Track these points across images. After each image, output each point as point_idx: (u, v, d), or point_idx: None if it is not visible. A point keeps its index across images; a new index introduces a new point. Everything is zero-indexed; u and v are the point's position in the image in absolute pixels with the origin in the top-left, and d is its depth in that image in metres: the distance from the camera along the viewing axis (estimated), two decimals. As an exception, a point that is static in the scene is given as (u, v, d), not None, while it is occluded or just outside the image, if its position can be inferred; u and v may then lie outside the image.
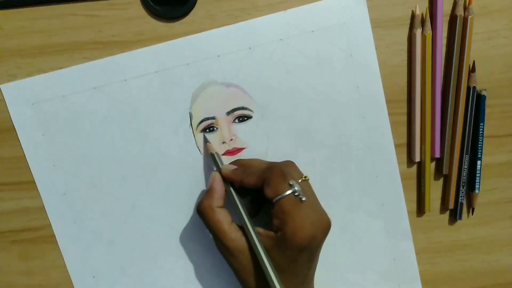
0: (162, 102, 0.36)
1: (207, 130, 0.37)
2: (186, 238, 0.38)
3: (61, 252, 0.38)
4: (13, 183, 0.38)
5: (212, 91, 0.36)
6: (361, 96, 0.37)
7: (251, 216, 0.33)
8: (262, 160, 0.36)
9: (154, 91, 0.36)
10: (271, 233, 0.31)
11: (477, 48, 0.37)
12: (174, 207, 0.38)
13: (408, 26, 0.37)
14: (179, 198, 0.38)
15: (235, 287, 0.37)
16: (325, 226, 0.31)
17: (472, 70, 0.37)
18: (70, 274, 0.38)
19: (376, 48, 0.37)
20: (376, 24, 0.36)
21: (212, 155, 0.35)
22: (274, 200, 0.30)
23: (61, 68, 0.36)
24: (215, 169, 0.35)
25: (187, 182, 0.38)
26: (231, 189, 0.33)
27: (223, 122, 0.37)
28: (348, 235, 0.39)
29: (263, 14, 0.36)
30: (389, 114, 0.37)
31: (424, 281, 0.40)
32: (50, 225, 0.38)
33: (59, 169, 0.37)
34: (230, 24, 0.36)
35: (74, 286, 0.39)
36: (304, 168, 0.34)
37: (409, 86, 0.37)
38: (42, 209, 0.38)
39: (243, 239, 0.32)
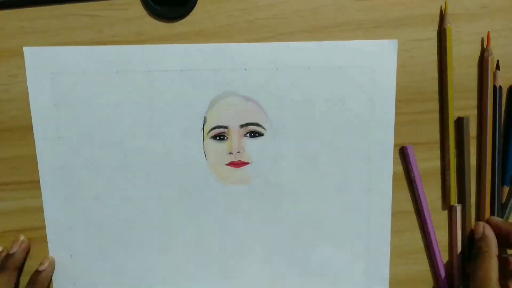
0: (180, 101, 0.37)
1: (217, 138, 0.37)
2: (173, 236, 0.38)
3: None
4: (14, 183, 0.38)
5: (231, 101, 0.37)
6: (371, 143, 0.38)
7: None
8: None
9: (175, 89, 0.36)
10: None
11: (477, 48, 0.38)
12: (168, 205, 0.38)
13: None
14: (174, 197, 0.38)
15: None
16: None
17: (497, 67, 0.37)
18: (49, 251, 0.38)
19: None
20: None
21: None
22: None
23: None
24: None
25: (186, 183, 0.38)
26: None
27: (234, 133, 0.37)
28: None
29: (263, 14, 0.36)
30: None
31: None
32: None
33: (62, 142, 0.37)
34: (230, 25, 0.36)
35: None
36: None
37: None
38: (42, 209, 0.38)
39: None
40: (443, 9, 0.37)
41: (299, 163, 0.38)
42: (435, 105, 0.38)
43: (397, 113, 0.38)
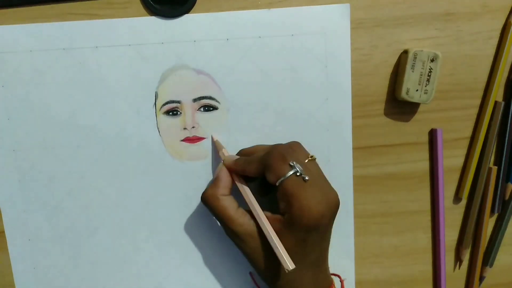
0: (130, 77, 0.36)
1: (170, 113, 0.36)
2: (130, 217, 0.38)
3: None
4: None
5: (182, 75, 0.36)
6: (328, 110, 0.37)
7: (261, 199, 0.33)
8: (264, 146, 0.35)
9: (124, 64, 0.36)
10: (279, 216, 0.31)
11: (477, 47, 0.37)
12: (124, 184, 0.37)
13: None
14: (130, 176, 0.37)
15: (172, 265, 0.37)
16: (333, 204, 0.31)
17: None
18: (6, 236, 0.38)
19: (377, 48, 0.37)
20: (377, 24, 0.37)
21: (217, 146, 0.36)
22: (277, 183, 0.30)
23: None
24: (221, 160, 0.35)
25: (141, 161, 0.37)
26: (236, 176, 0.34)
27: (187, 108, 0.36)
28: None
29: None
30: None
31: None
32: None
33: (12, 123, 0.36)
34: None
35: (8, 245, 0.38)
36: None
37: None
38: None
39: (251, 222, 0.32)
40: None
41: (255, 136, 0.37)
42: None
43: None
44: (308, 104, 0.37)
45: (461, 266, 0.41)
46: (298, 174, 0.29)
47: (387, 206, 0.39)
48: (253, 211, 0.32)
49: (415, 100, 0.35)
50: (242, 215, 0.32)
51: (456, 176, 0.39)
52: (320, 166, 0.38)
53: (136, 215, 0.38)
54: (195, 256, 0.39)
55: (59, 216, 0.37)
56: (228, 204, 0.32)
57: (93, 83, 0.36)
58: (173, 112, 0.36)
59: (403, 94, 0.35)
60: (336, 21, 0.36)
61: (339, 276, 0.35)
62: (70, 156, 0.37)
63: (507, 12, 0.37)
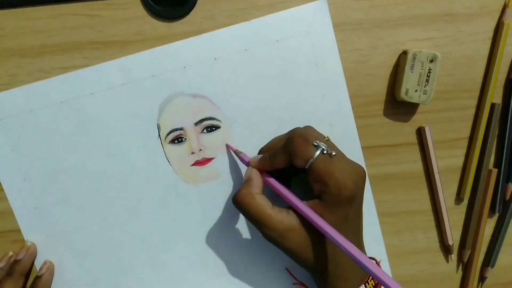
0: (130, 115, 0.37)
1: (176, 141, 0.37)
2: (158, 249, 0.38)
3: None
4: None
5: (179, 102, 0.37)
6: (327, 104, 0.37)
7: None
8: (281, 136, 0.36)
9: (121, 104, 0.36)
10: (317, 201, 0.30)
11: (476, 48, 0.37)
12: (145, 218, 0.38)
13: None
14: (150, 209, 0.38)
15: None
16: (363, 174, 0.31)
17: None
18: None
19: (376, 48, 0.37)
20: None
21: (236, 153, 0.36)
22: (307, 167, 0.30)
23: (61, 67, 0.36)
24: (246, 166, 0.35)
25: (157, 193, 0.38)
26: (266, 174, 0.33)
27: (191, 132, 0.37)
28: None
29: (264, 14, 0.36)
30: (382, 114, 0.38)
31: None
32: None
33: (29, 183, 0.37)
34: (229, 25, 0.36)
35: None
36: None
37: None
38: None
39: (290, 217, 0.31)
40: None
41: (262, 144, 0.37)
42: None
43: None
44: (306, 104, 0.37)
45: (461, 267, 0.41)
46: (324, 152, 0.30)
47: (387, 206, 0.39)
48: (290, 201, 0.31)
49: (414, 100, 0.36)
50: (279, 212, 0.31)
51: (457, 176, 0.39)
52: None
53: (164, 245, 0.38)
54: (225, 272, 0.39)
55: (91, 262, 0.38)
56: (264, 202, 0.32)
57: (96, 129, 0.37)
58: (178, 140, 0.37)
59: (402, 95, 0.35)
60: (316, 18, 0.36)
61: (374, 259, 0.35)
62: (88, 201, 0.38)
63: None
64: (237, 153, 0.36)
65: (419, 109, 0.38)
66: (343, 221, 0.30)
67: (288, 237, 0.31)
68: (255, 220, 0.32)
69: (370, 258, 0.35)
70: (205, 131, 0.37)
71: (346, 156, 0.32)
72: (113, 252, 0.38)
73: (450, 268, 0.41)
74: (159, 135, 0.37)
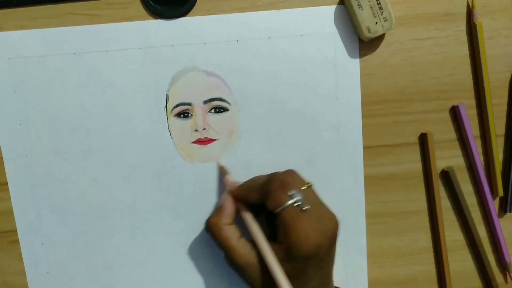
0: (141, 80, 0.36)
1: (181, 115, 0.37)
2: (142, 219, 0.38)
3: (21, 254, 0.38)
4: None
5: (192, 77, 0.36)
6: (339, 108, 0.37)
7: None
8: (262, 176, 0.35)
9: (134, 67, 0.36)
10: (281, 245, 0.30)
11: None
12: (135, 186, 0.37)
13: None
14: (142, 178, 0.37)
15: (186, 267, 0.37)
16: (331, 233, 0.31)
17: None
18: (19, 241, 0.38)
19: (376, 48, 0.37)
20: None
21: (222, 171, 0.37)
22: (275, 212, 0.30)
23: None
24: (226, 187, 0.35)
25: (152, 164, 0.37)
26: (241, 204, 0.34)
27: (198, 109, 0.37)
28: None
29: None
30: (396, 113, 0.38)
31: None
32: (10, 231, 0.38)
33: (24, 129, 0.36)
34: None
35: (22, 249, 0.38)
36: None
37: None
38: (1, 214, 0.38)
39: (252, 253, 0.32)
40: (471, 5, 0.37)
41: (267, 136, 0.37)
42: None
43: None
44: (318, 104, 0.37)
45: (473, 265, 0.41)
46: (296, 204, 0.30)
47: (387, 206, 0.39)
48: (255, 240, 0.32)
49: (381, 32, 0.34)
50: (243, 246, 0.32)
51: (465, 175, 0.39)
52: (331, 165, 0.38)
53: (149, 217, 0.38)
54: (207, 258, 0.39)
55: (72, 219, 0.38)
56: (231, 234, 0.33)
57: (104, 87, 0.36)
58: (184, 114, 0.37)
59: (367, 34, 0.34)
60: (344, 21, 0.36)
61: None
62: (82, 160, 0.37)
63: (507, 13, 0.37)
64: (222, 172, 0.36)
65: (418, 109, 0.38)
66: (300, 274, 0.30)
67: (246, 271, 0.32)
68: (220, 249, 0.33)
69: None
70: (212, 111, 0.37)
71: (324, 208, 0.32)
72: (96, 215, 0.38)
73: (456, 268, 0.41)
74: (166, 106, 0.36)
